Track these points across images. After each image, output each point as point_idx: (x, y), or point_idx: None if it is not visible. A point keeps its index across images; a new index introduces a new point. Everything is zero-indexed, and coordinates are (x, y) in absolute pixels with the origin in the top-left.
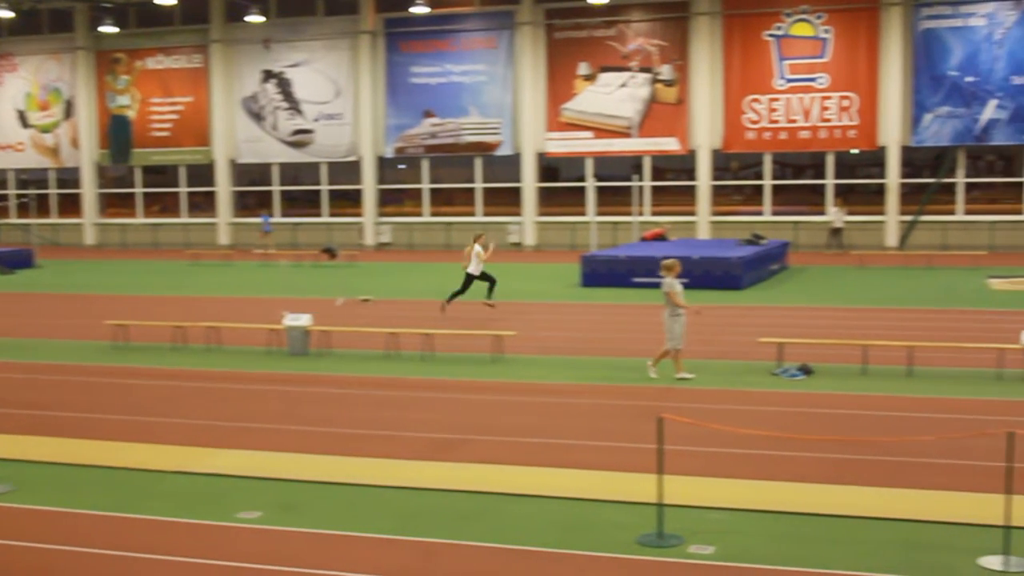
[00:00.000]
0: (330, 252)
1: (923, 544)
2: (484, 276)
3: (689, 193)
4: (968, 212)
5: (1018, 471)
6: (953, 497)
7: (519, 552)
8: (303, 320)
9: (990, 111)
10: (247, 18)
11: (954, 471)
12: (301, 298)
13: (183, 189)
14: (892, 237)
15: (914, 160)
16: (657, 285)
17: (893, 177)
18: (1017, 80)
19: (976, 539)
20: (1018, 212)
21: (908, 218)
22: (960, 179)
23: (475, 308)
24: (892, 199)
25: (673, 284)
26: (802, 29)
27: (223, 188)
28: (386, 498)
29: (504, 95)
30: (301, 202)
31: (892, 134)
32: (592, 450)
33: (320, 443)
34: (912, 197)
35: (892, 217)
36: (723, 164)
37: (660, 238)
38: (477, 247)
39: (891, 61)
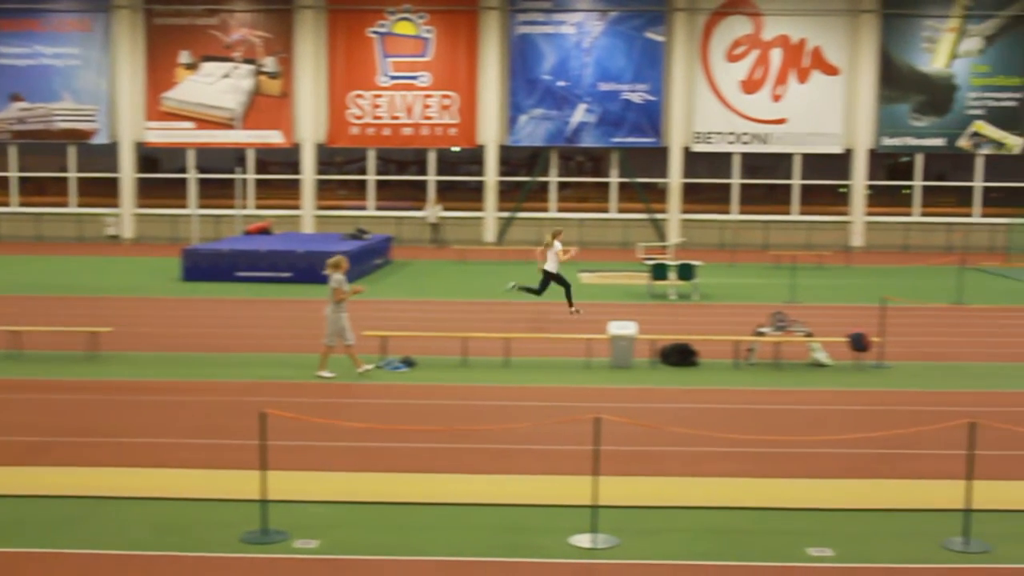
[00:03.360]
0: None
1: (521, 527)
2: (558, 279)
3: (294, 187)
4: (560, 209)
5: (604, 453)
6: (548, 481)
7: (115, 557)
8: None
9: (580, 114)
10: None
11: (548, 456)
12: None
13: None
14: (490, 233)
15: (511, 159)
16: (262, 280)
17: (491, 175)
18: (603, 86)
19: (568, 519)
20: (605, 210)
21: (505, 215)
22: (553, 178)
23: (74, 303)
24: (491, 196)
25: (341, 281)
26: (405, 28)
27: None
28: None
29: (100, 81)
30: None
31: (490, 133)
32: (195, 448)
33: None
34: (509, 194)
35: (491, 213)
36: (327, 158)
37: (264, 232)
38: (557, 244)
39: (489, 63)
